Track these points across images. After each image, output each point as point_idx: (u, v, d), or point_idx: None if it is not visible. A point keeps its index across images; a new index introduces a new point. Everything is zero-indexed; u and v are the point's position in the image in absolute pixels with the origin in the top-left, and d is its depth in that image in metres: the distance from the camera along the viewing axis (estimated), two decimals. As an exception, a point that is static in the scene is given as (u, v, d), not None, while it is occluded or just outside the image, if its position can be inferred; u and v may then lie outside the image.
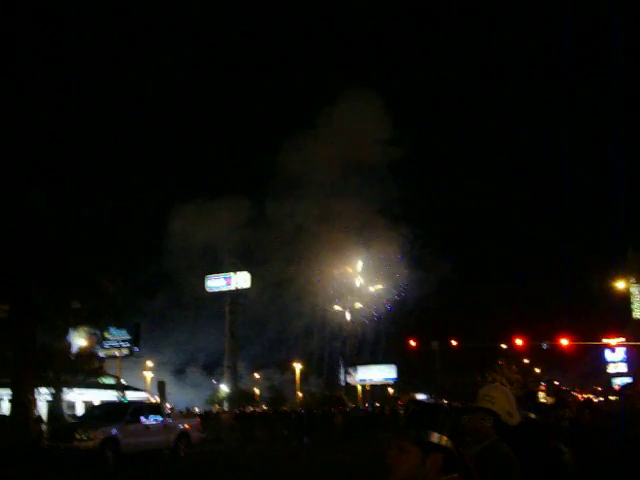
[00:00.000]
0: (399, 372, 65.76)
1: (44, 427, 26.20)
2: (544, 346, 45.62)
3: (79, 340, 36.71)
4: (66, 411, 33.24)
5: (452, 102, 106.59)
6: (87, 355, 35.16)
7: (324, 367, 70.16)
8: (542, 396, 45.20)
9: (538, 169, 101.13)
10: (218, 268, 69.96)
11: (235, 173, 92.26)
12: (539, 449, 4.95)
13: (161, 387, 38.37)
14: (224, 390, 62.94)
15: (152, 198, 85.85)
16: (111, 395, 40.46)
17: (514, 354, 52.89)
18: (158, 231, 70.97)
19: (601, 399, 35.08)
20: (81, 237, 28.70)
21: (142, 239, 73.81)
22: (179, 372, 68.55)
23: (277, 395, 60.77)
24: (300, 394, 62.92)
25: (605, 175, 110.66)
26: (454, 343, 57.83)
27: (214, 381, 68.03)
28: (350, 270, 72.63)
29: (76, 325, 32.61)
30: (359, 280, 73.39)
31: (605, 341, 54.09)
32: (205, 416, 38.39)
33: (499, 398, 4.11)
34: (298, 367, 64.92)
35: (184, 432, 24.67)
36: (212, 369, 71.61)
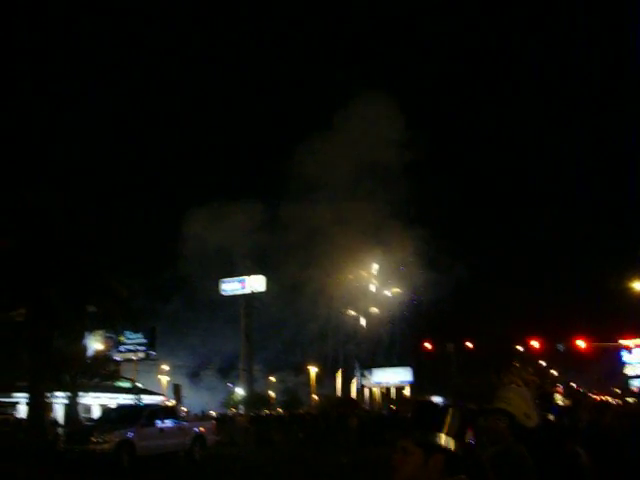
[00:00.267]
0: (415, 374, 65.59)
1: (60, 430, 26.33)
2: (560, 347, 45.32)
3: (95, 344, 36.96)
4: (82, 414, 33.42)
5: (467, 103, 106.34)
6: (103, 358, 35.37)
7: (339, 370, 70.06)
8: (559, 398, 44.86)
9: (555, 169, 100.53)
10: (233, 271, 70.18)
11: (250, 176, 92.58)
12: (555, 451, 4.89)
13: (176, 390, 38.52)
14: (239, 393, 63.04)
15: (168, 202, 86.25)
16: (127, 398, 40.66)
17: (530, 356, 52.53)
18: (173, 235, 71.06)
19: (619, 401, 34.74)
20: (97, 241, 28.82)
21: (158, 243, 74.00)
22: (194, 375, 68.72)
23: (292, 398, 60.74)
24: (315, 397, 62.88)
25: (623, 175, 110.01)
26: (469, 345, 57.59)
27: (229, 384, 68.16)
28: (365, 273, 72.62)
29: (92, 329, 32.81)
30: (374, 283, 73.35)
31: (622, 342, 53.64)
32: (220, 419, 38.43)
33: (516, 399, 4.06)
34: (313, 370, 64.91)
35: (199, 435, 24.70)
36: (227, 372, 71.77)
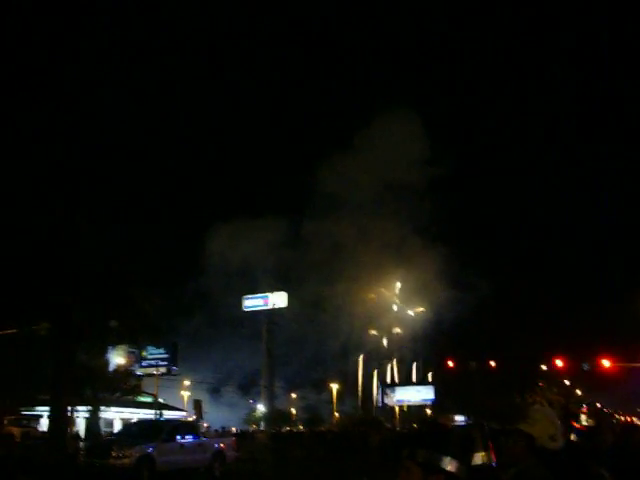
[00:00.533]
0: (437, 393, 65.02)
1: (81, 444, 26.42)
2: (585, 367, 44.70)
3: (118, 358, 37.12)
4: (104, 428, 33.52)
5: (491, 121, 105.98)
6: (124, 373, 35.47)
7: (360, 388, 69.75)
8: (584, 418, 44.19)
9: (579, 188, 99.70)
10: (255, 288, 70.28)
11: (273, 193, 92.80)
12: (579, 473, 4.78)
13: (197, 405, 38.52)
14: (260, 409, 62.89)
15: (191, 218, 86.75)
16: (149, 413, 40.74)
17: (554, 375, 51.93)
18: (196, 251, 71.42)
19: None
20: (120, 257, 29.03)
21: (181, 259, 74.46)
22: (215, 391, 68.69)
23: (313, 415, 60.46)
24: (337, 414, 62.57)
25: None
26: (493, 364, 57.02)
27: (250, 400, 68.06)
28: (387, 291, 72.42)
29: (115, 344, 32.98)
30: (396, 301, 73.11)
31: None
32: (241, 435, 38.34)
33: (542, 421, 3.98)
34: (335, 387, 64.64)
35: (219, 451, 24.60)
36: (248, 388, 71.66)
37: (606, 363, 42.55)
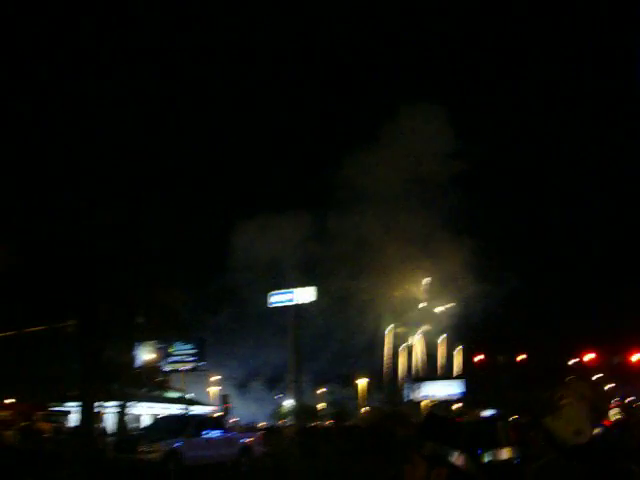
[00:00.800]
0: (465, 388, 64.67)
1: (109, 439, 26.68)
2: (615, 361, 44.18)
3: (146, 354, 37.45)
4: (132, 424, 33.79)
5: (518, 113, 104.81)
6: (151, 369, 35.76)
7: (386, 382, 69.62)
8: (614, 413, 43.64)
9: (612, 178, 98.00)
10: (281, 282, 70.34)
11: (298, 188, 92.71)
12: (608, 468, 4.66)
13: (224, 401, 38.71)
14: (288, 404, 63.03)
15: (216, 213, 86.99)
16: (177, 408, 41.01)
17: (584, 369, 51.39)
18: (222, 246, 71.63)
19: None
20: (145, 253, 29.24)
21: (206, 255, 74.69)
22: (242, 386, 69.00)
23: (340, 410, 60.46)
24: (364, 409, 62.49)
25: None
26: (521, 358, 56.64)
27: (279, 395, 68.26)
28: (414, 287, 72.17)
29: (142, 340, 33.27)
30: (423, 296, 72.81)
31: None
32: (268, 430, 38.44)
33: (567, 414, 3.88)
34: (362, 382, 64.60)
35: (246, 446, 24.71)
36: (274, 383, 71.85)
37: (637, 357, 42.02)
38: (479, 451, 2.75)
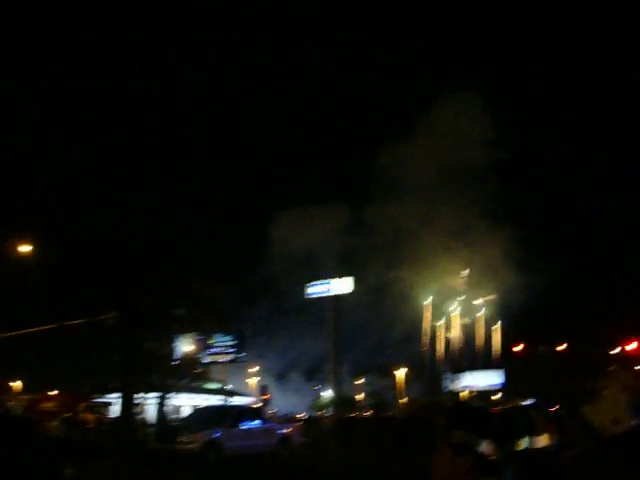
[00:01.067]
0: (506, 378, 64.13)
1: (150, 430, 27.06)
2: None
3: (186, 346, 37.85)
4: (173, 415, 34.23)
5: (557, 100, 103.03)
6: (191, 360, 36.11)
7: (425, 373, 69.35)
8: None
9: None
10: (319, 273, 70.49)
11: (335, 178, 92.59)
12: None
13: (263, 391, 38.97)
14: (327, 395, 63.23)
15: (254, 205, 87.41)
16: (216, 399, 41.42)
17: (628, 359, 50.50)
18: (260, 238, 72.04)
19: None
20: (184, 246, 29.55)
21: (244, 247, 75.19)
22: (281, 377, 69.43)
23: (379, 401, 60.45)
24: (403, 400, 62.37)
25: None
26: (563, 347, 55.86)
27: (317, 386, 68.52)
28: (453, 277, 71.66)
29: (181, 331, 33.63)
30: (462, 285, 72.25)
31: None
32: (307, 421, 38.64)
33: (606, 403, 3.84)
34: (401, 372, 64.44)
35: (285, 436, 24.84)
36: (313, 374, 72.16)
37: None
38: (510, 439, 2.74)
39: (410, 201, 70.56)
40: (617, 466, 3.55)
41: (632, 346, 43.28)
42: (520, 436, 2.75)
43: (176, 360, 33.44)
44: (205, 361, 46.89)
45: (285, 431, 25.26)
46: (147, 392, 29.78)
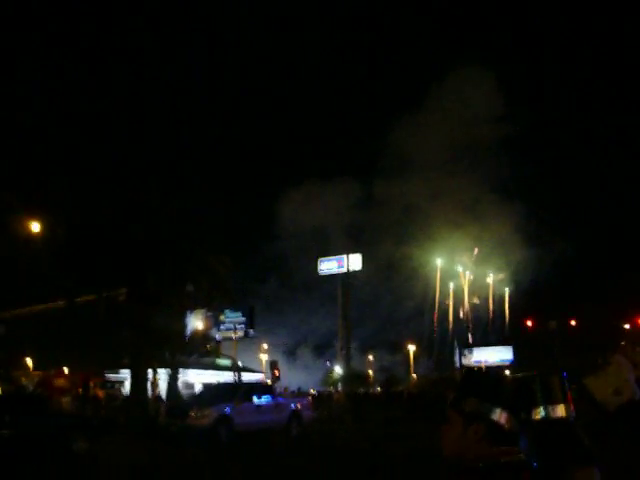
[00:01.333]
0: (515, 353, 64.20)
1: (161, 405, 27.22)
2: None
3: (196, 322, 37.96)
4: (184, 391, 34.42)
5: (567, 74, 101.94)
6: (202, 337, 36.23)
7: (435, 348, 69.54)
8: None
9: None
10: (328, 250, 70.51)
11: (344, 154, 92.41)
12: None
13: (274, 367, 39.10)
14: (337, 371, 63.47)
15: (265, 182, 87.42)
16: (227, 375, 41.64)
17: (638, 335, 50.37)
18: (270, 215, 72.10)
19: None
20: (194, 221, 29.48)
21: (255, 223, 75.32)
22: (291, 354, 69.78)
23: (389, 376, 60.67)
24: (414, 375, 62.58)
25: None
26: (573, 323, 55.71)
27: (328, 363, 68.73)
28: (462, 257, 71.55)
29: (192, 308, 33.68)
30: (472, 261, 72.11)
31: None
32: (318, 397, 38.83)
33: (606, 375, 3.76)
34: (411, 349, 64.57)
35: (296, 411, 24.88)
36: (322, 350, 72.43)
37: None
38: (525, 408, 2.64)
39: (420, 177, 70.32)
40: (618, 438, 3.47)
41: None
42: (536, 404, 2.64)
43: (187, 336, 33.51)
44: (216, 337, 47.15)
45: (296, 406, 25.30)
46: (159, 368, 29.92)
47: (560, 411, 2.68)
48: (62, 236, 26.83)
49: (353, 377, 59.32)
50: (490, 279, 72.17)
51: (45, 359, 35.43)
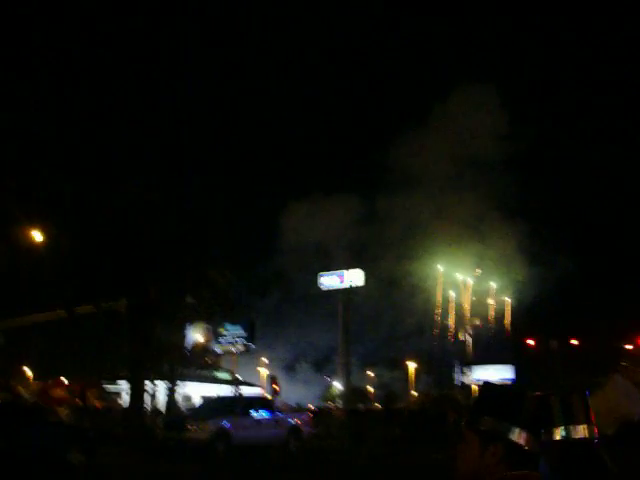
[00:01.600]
0: (517, 372, 63.92)
1: (159, 418, 27.01)
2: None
3: (196, 335, 37.79)
4: (182, 404, 34.17)
5: (572, 93, 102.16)
6: (201, 349, 36.04)
7: (435, 366, 69.17)
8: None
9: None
10: (330, 265, 70.30)
11: (347, 170, 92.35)
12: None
13: (273, 381, 38.87)
14: (337, 387, 63.10)
15: (266, 196, 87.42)
16: (227, 389, 41.38)
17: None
18: (271, 229, 72.02)
19: None
20: (195, 235, 29.39)
21: (256, 237, 75.20)
22: (290, 368, 69.41)
23: (389, 393, 60.30)
24: (414, 393, 62.23)
25: None
26: (574, 343, 55.43)
27: (327, 378, 68.34)
28: (466, 270, 71.41)
29: (192, 320, 33.55)
30: (473, 279, 71.97)
31: None
32: (318, 412, 38.52)
33: (602, 394, 3.65)
34: (412, 366, 64.22)
35: (295, 427, 24.68)
36: (322, 366, 72.01)
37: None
38: (546, 428, 2.51)
39: (423, 194, 70.29)
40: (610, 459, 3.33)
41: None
42: (557, 424, 2.50)
43: (187, 349, 33.34)
44: (216, 350, 46.93)
45: (295, 422, 25.09)
46: (157, 380, 29.72)
47: (582, 432, 2.55)
48: (63, 246, 26.75)
49: (353, 393, 59.00)
50: (491, 298, 72.04)
51: (44, 369, 35.21)
